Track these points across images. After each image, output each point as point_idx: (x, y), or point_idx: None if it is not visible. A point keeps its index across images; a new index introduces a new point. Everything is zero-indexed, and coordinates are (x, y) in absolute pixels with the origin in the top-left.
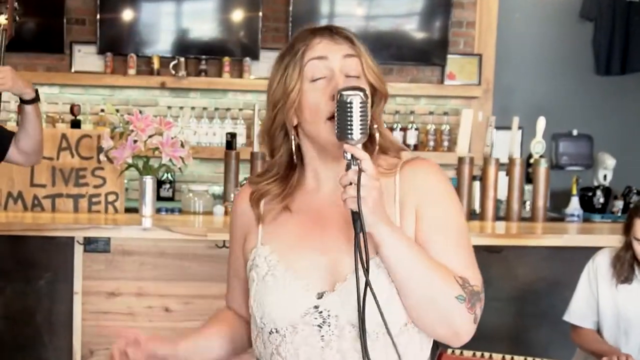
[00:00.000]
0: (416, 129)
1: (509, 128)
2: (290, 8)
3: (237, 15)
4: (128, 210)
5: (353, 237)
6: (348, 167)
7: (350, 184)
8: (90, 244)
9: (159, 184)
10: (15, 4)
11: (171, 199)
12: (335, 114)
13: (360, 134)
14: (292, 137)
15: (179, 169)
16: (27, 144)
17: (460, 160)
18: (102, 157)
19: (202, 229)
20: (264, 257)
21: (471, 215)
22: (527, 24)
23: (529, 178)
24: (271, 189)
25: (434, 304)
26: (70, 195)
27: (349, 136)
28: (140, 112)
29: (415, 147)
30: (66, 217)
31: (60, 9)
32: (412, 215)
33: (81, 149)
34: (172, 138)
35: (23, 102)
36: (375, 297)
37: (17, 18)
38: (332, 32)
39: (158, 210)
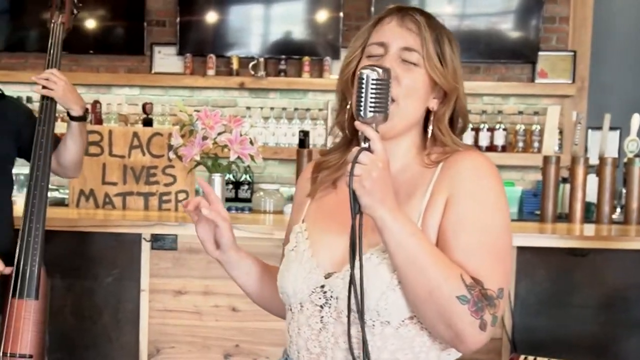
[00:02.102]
0: (504, 129)
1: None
2: (372, 7)
3: (319, 15)
4: None
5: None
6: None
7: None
8: (157, 242)
9: (238, 185)
10: None
11: (249, 200)
12: (355, 90)
13: (371, 112)
14: (347, 109)
15: (248, 168)
16: (65, 158)
17: (546, 159)
18: (171, 154)
19: (269, 227)
20: (297, 232)
21: (558, 218)
22: (624, 18)
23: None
24: (330, 162)
25: (432, 298)
26: (140, 193)
27: (360, 113)
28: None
29: (504, 148)
30: (136, 215)
31: (141, 12)
32: (441, 204)
33: (152, 147)
34: (241, 135)
35: (70, 117)
36: (355, 281)
37: (76, 12)
38: (402, 14)
39: (228, 209)
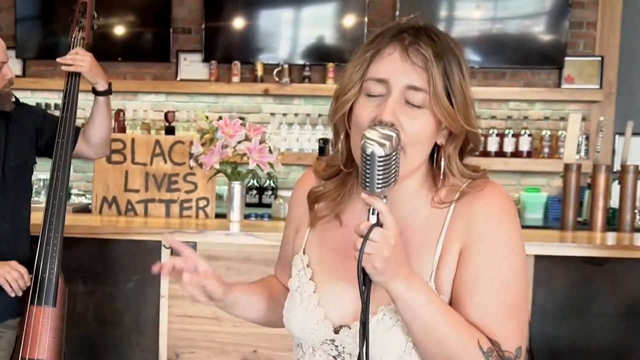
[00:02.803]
0: (529, 135)
1: (635, 134)
2: (397, 12)
3: (343, 21)
4: (221, 216)
5: None
6: (370, 214)
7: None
8: None
9: (262, 190)
10: (94, 13)
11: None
12: (360, 163)
13: (379, 188)
14: (341, 141)
15: (272, 174)
16: (96, 136)
17: (567, 167)
18: (192, 162)
19: None
20: (300, 269)
21: (583, 225)
22: None
23: None
24: (328, 192)
25: None
26: (162, 200)
27: (367, 187)
28: (243, 119)
29: (529, 154)
30: (157, 222)
31: (167, 19)
32: (455, 256)
33: (174, 154)
34: (260, 144)
35: (95, 93)
36: (367, 347)
37: (95, 27)
38: (407, 43)
39: (248, 216)
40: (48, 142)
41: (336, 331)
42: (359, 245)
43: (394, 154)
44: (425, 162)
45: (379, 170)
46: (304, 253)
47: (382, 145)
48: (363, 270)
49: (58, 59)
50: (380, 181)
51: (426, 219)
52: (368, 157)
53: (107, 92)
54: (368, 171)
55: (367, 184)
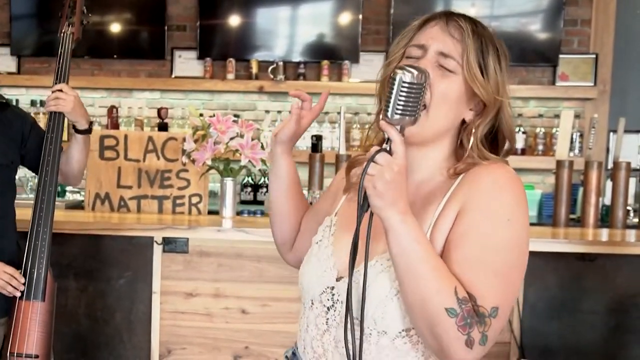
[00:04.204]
0: (524, 133)
1: (628, 131)
2: (392, 11)
3: (338, 19)
4: (214, 213)
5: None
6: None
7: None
8: (169, 245)
9: (256, 187)
10: (84, 9)
11: None
12: (386, 89)
13: (398, 114)
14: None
15: (264, 171)
16: (69, 167)
17: (559, 163)
18: (184, 159)
19: None
20: (325, 226)
21: (576, 222)
22: None
23: None
24: (361, 159)
25: (423, 308)
26: (155, 196)
27: (386, 113)
28: (238, 116)
29: (523, 151)
30: (149, 218)
31: (162, 17)
32: (452, 215)
33: (167, 151)
34: (252, 140)
35: (75, 130)
36: (351, 288)
37: (85, 22)
38: (448, 18)
39: (240, 213)
40: (29, 152)
41: (338, 279)
42: (364, 166)
43: (418, 85)
44: (451, 137)
45: (400, 96)
46: (334, 215)
47: (409, 72)
48: (365, 193)
49: (46, 104)
50: (400, 108)
51: (436, 186)
52: (394, 81)
53: (87, 131)
54: (391, 95)
55: (388, 109)
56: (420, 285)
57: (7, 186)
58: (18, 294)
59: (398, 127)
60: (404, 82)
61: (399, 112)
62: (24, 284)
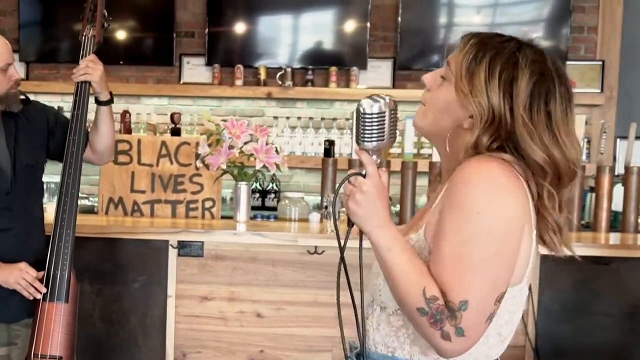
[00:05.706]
0: None
1: (636, 138)
2: (399, 18)
3: (345, 26)
4: (226, 218)
5: None
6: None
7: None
8: (184, 248)
9: (265, 193)
10: (105, 12)
11: (275, 208)
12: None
13: (365, 141)
14: None
15: (275, 177)
16: (101, 144)
17: None
18: (198, 163)
19: (293, 235)
20: None
21: (585, 227)
22: None
23: None
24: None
25: (402, 308)
26: (168, 201)
27: (357, 141)
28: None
29: None
30: (163, 222)
31: (171, 23)
32: (437, 215)
33: (180, 156)
34: (266, 145)
35: (98, 103)
36: (345, 267)
37: (106, 25)
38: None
39: (254, 217)
40: (57, 145)
41: None
42: (336, 188)
43: (378, 114)
44: (453, 141)
45: (365, 125)
46: None
47: (370, 105)
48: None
49: (74, 70)
50: (367, 135)
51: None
52: (356, 113)
53: (110, 102)
54: (358, 125)
55: (357, 138)
56: (395, 290)
57: (33, 186)
58: (39, 296)
59: (371, 151)
60: (363, 114)
61: (366, 139)
62: (45, 286)
